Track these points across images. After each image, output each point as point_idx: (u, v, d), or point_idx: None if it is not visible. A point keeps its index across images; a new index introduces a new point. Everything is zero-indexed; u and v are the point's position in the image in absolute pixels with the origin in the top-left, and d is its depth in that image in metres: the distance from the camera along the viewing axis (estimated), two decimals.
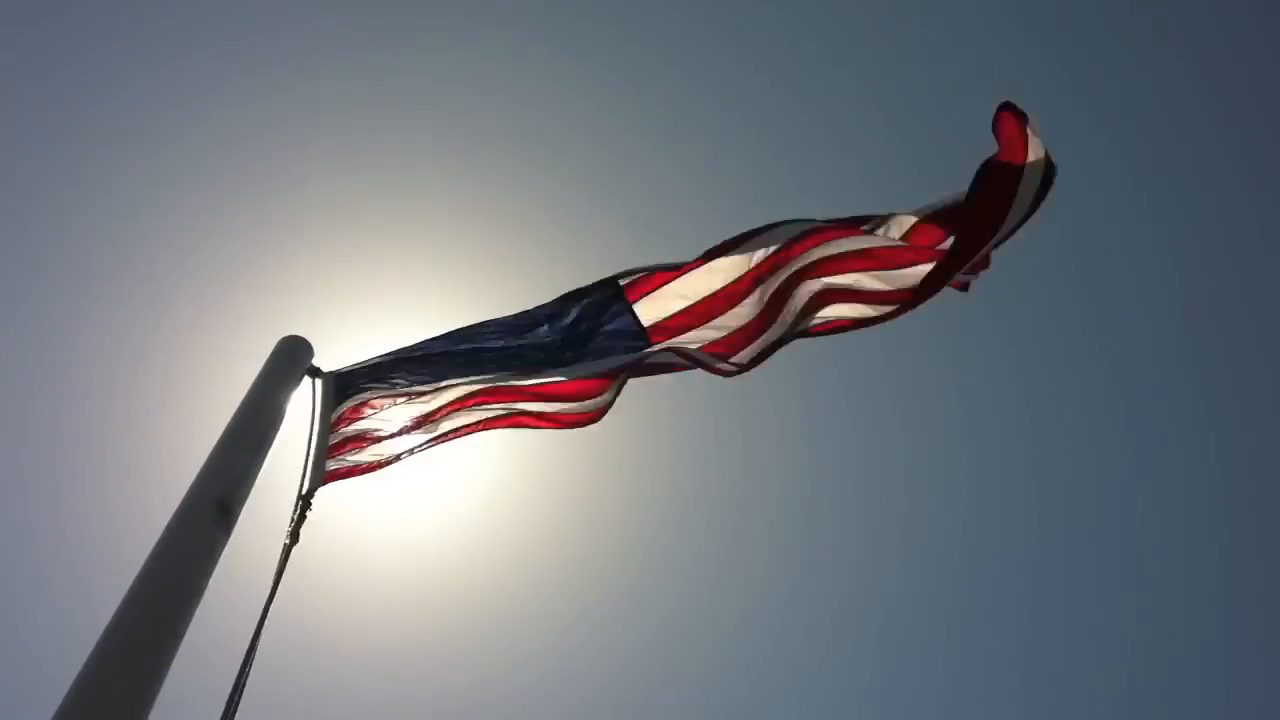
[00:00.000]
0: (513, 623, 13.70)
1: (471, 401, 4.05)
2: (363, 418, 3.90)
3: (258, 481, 3.10)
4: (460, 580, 13.34)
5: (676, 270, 4.01)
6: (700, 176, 14.47)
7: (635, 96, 14.39)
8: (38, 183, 11.97)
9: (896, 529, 14.60)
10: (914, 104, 14.44)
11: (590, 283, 4.04)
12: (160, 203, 12.35)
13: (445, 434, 4.07)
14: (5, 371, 12.02)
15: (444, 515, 11.71)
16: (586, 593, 14.10)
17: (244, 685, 2.73)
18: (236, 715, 2.67)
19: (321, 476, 3.68)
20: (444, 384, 3.99)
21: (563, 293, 4.05)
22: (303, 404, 3.67)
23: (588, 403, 4.06)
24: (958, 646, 14.75)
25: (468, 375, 4.00)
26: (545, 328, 4.05)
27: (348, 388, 3.88)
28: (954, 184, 3.56)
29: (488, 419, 4.11)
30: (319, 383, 3.79)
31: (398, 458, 4.00)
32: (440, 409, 4.02)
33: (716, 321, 3.99)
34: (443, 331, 4.04)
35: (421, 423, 4.01)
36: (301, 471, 3.51)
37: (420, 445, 4.04)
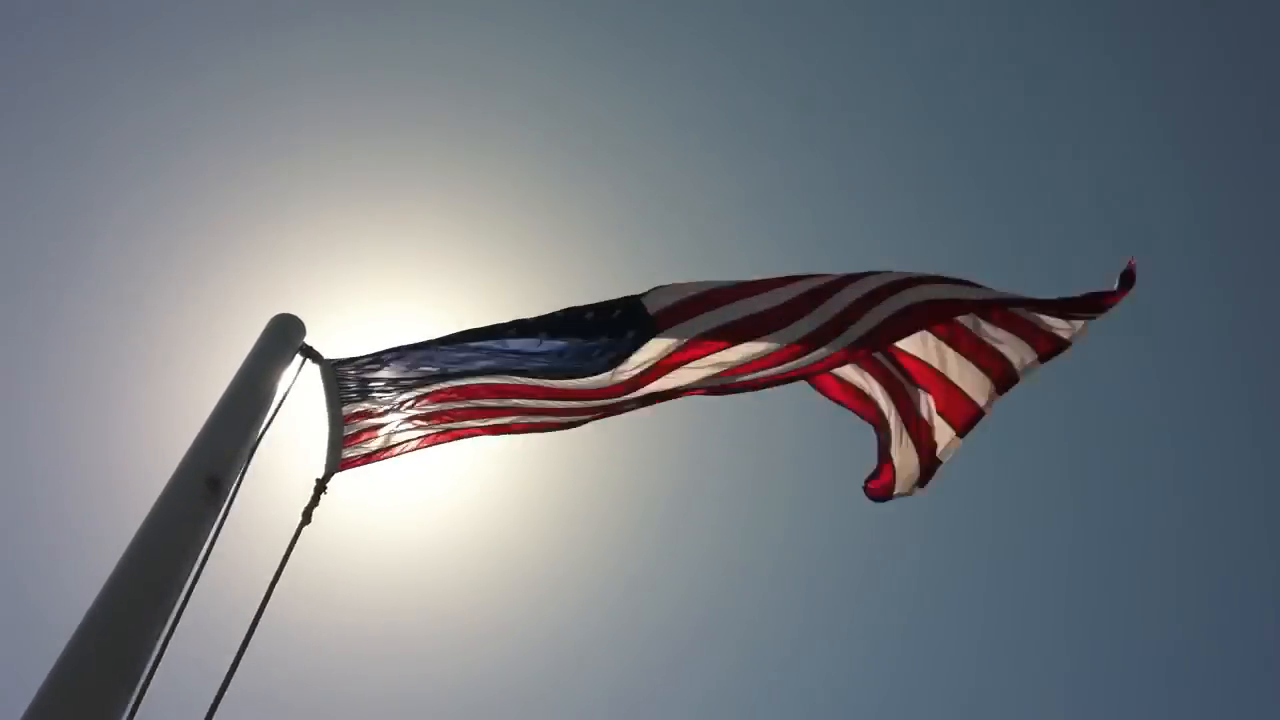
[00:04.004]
0: (509, 618, 13.71)
1: (489, 395, 3.98)
2: (374, 414, 3.88)
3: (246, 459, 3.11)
4: (458, 574, 13.35)
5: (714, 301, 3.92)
6: (704, 176, 14.42)
7: (639, 88, 14.33)
8: (29, 156, 11.88)
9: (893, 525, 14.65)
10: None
11: (619, 299, 3.90)
12: (152, 177, 12.29)
13: (460, 430, 4.01)
14: None
15: (442, 506, 11.70)
16: (584, 589, 14.12)
17: (238, 663, 2.73)
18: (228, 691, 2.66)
19: (338, 462, 3.68)
20: (459, 380, 3.94)
21: (586, 304, 3.91)
22: (300, 387, 3.67)
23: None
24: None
25: (484, 374, 3.94)
26: (566, 348, 3.92)
27: (353, 387, 3.85)
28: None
29: (507, 424, 4.04)
30: (319, 366, 3.79)
31: (411, 448, 3.96)
32: (457, 410, 3.97)
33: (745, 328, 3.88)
34: (447, 329, 3.97)
35: (435, 418, 3.96)
36: (260, 442, 3.37)
37: (430, 436, 3.98)
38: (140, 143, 12.27)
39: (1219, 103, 14.08)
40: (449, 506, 11.90)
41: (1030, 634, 14.80)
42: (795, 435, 13.80)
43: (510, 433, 4.07)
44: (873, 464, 4.39)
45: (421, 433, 3.96)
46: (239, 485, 3.09)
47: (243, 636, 2.83)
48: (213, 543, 2.89)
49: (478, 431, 4.03)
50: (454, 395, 3.95)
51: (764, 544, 14.55)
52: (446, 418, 3.97)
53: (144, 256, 12.29)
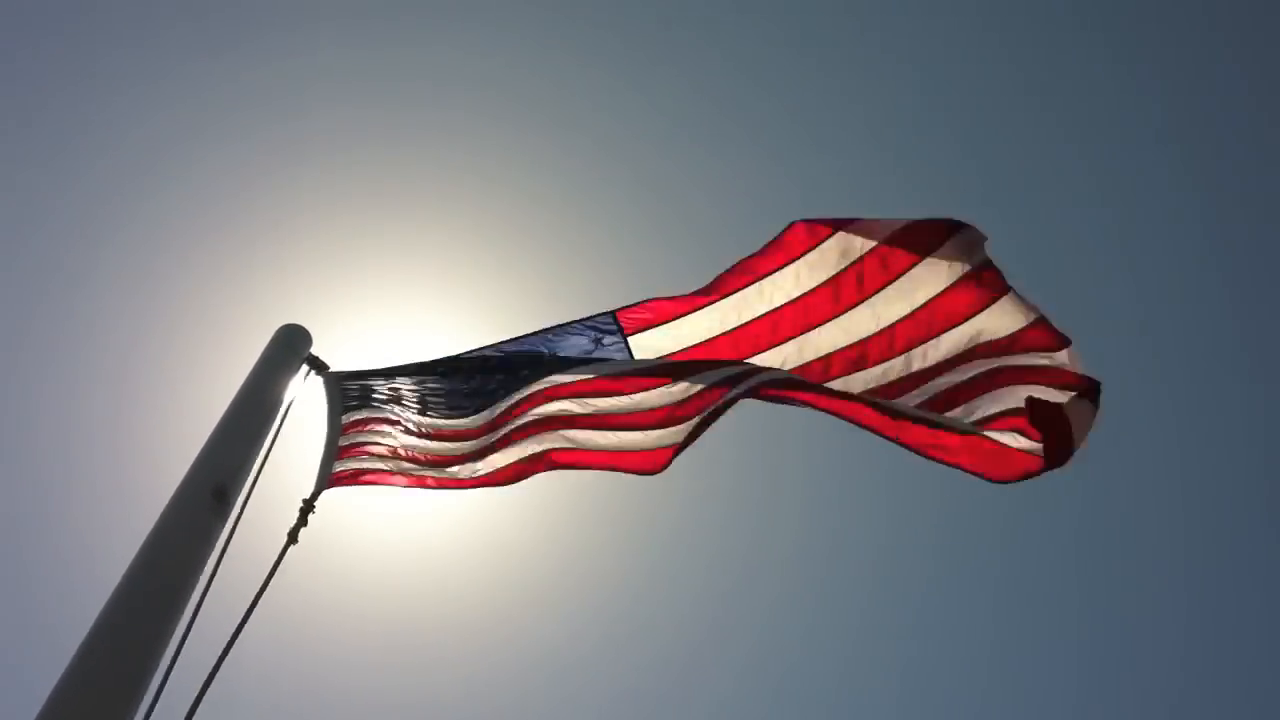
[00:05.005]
0: (512, 626, 13.66)
1: (498, 444, 3.96)
2: (371, 430, 3.86)
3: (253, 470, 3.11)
4: (463, 581, 13.32)
5: (675, 302, 4.00)
6: (710, 182, 14.42)
7: (647, 97, 14.36)
8: (37, 166, 11.95)
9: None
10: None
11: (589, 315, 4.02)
12: (160, 188, 12.34)
13: (461, 479, 3.98)
14: (4, 357, 12.02)
15: (449, 511, 11.68)
16: (588, 598, 14.07)
17: (216, 673, 2.70)
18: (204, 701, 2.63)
19: (327, 480, 3.65)
20: (456, 420, 3.92)
21: (559, 323, 4.01)
22: (303, 399, 3.67)
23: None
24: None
25: (477, 409, 3.94)
26: (544, 354, 3.97)
27: (355, 395, 3.84)
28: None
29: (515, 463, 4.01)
30: (323, 379, 3.78)
31: (404, 480, 3.92)
32: (458, 455, 3.94)
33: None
34: (442, 352, 3.96)
35: (436, 461, 3.94)
36: (262, 456, 3.35)
37: (423, 477, 3.95)
38: (147, 153, 12.34)
39: (1221, 101, 14.08)
40: (456, 513, 11.91)
41: (1036, 631, 14.75)
42: (801, 432, 13.80)
43: (493, 483, 4.03)
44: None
45: (416, 466, 3.90)
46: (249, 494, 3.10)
47: (246, 647, 2.83)
48: (223, 550, 2.89)
49: (466, 483, 3.98)
50: (459, 435, 3.92)
51: (773, 545, 14.52)
52: (440, 460, 3.92)
53: (151, 267, 12.35)
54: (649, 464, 3.92)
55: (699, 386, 3.79)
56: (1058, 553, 14.91)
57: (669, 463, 3.88)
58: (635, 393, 3.86)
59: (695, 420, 3.79)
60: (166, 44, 12.39)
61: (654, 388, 3.85)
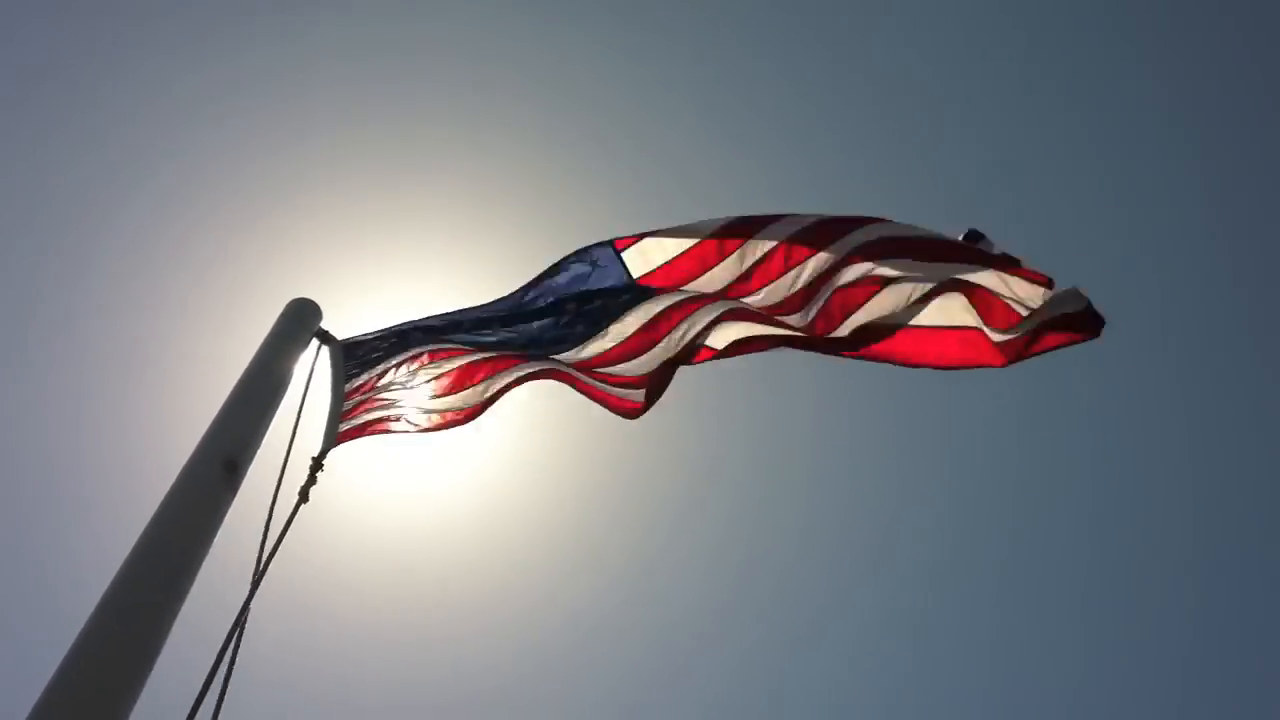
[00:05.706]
0: (516, 606, 13.71)
1: (489, 369, 4.09)
2: (376, 386, 3.95)
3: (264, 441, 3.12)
4: (467, 559, 13.37)
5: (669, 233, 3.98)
6: (718, 163, 14.33)
7: (651, 70, 14.26)
8: (51, 141, 11.96)
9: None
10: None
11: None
12: (171, 162, 12.34)
13: (463, 410, 4.11)
14: (17, 331, 12.08)
15: (455, 490, 11.70)
16: (595, 579, 14.10)
17: (239, 640, 2.70)
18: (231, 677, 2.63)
19: (334, 439, 3.73)
20: (458, 351, 4.04)
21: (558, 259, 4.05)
22: (314, 367, 3.70)
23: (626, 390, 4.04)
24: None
25: (482, 349, 4.05)
26: (548, 301, 4.02)
27: (360, 358, 3.91)
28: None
29: (514, 379, 4.12)
30: (329, 347, 3.82)
31: (409, 426, 4.05)
32: (456, 379, 4.07)
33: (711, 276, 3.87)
34: (452, 307, 4.07)
35: (436, 392, 4.06)
36: (292, 430, 3.47)
37: (432, 422, 4.07)
38: (160, 128, 12.32)
39: (1223, 98, 13.94)
40: (464, 493, 11.95)
41: (1044, 626, 14.76)
42: (810, 420, 13.78)
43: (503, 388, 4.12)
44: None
45: (421, 405, 4.03)
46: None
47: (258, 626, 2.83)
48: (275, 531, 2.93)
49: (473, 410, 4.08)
50: (452, 354, 4.04)
51: (780, 532, 14.54)
52: (445, 382, 4.05)
53: (162, 241, 12.36)
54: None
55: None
56: (1061, 546, 14.90)
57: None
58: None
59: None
60: (180, 20, 12.35)
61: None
